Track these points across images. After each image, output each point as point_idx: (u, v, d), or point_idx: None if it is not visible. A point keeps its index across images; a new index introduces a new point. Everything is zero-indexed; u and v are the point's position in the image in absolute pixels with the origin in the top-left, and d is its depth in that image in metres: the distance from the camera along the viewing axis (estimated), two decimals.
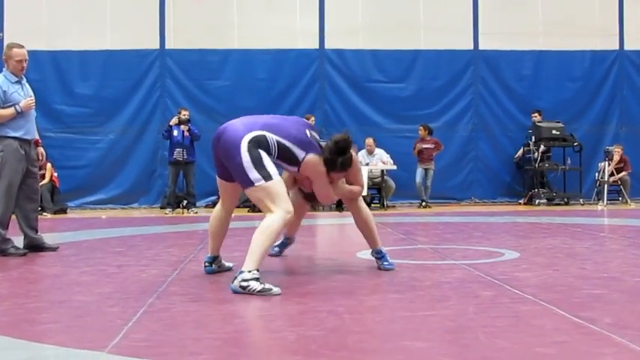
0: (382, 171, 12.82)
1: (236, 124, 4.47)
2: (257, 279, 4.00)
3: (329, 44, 14.27)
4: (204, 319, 3.45)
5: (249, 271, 4.02)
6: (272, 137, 4.35)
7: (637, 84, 14.89)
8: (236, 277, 4.04)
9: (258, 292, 3.95)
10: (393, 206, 13.26)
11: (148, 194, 13.76)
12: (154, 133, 13.62)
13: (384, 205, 12.73)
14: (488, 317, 3.38)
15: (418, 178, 13.21)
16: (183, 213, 11.89)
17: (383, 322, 3.39)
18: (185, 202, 12.17)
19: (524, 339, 2.96)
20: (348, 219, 10.44)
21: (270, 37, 14.10)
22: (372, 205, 13.17)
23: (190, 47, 13.97)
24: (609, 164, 13.60)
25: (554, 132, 13.63)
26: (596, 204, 13.42)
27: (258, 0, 14.23)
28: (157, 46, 13.96)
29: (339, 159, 4.52)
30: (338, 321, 3.36)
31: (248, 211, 12.35)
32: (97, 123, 13.67)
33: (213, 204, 13.23)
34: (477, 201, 13.98)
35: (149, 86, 13.95)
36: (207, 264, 4.84)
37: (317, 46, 14.26)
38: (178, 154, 12.03)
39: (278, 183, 4.26)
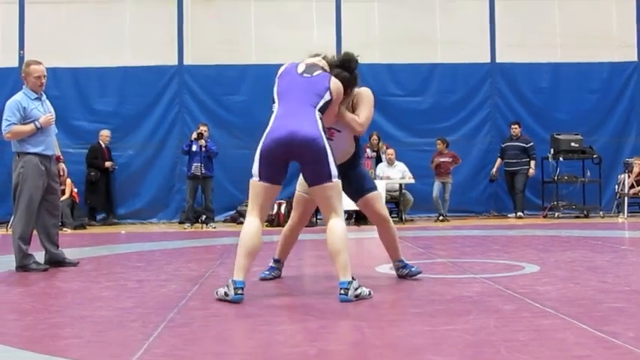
0: (400, 185, 12.81)
1: (297, 119, 4.38)
2: (360, 285, 4.25)
3: None
4: (224, 334, 3.46)
5: (353, 279, 4.20)
6: (317, 112, 4.45)
7: None
8: (346, 289, 4.15)
9: (368, 296, 4.24)
10: (411, 220, 13.23)
11: (167, 209, 13.83)
12: (173, 149, 13.70)
13: (402, 218, 12.71)
14: (510, 331, 3.37)
15: (435, 192, 13.18)
16: (201, 228, 11.92)
17: (404, 336, 3.39)
18: (204, 216, 12.20)
19: (545, 353, 2.94)
20: (366, 233, 10.44)
21: (287, 51, 14.08)
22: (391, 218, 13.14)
23: (208, 63, 14.07)
24: (629, 176, 13.49)
25: (572, 144, 13.56)
26: (617, 216, 13.31)
27: (275, 15, 14.31)
28: (175, 62, 14.07)
29: (339, 72, 4.70)
30: (359, 335, 3.36)
31: (266, 226, 12.38)
32: (116, 139, 13.77)
33: (232, 219, 13.33)
34: (496, 214, 13.90)
35: (167, 102, 14.05)
36: (241, 292, 4.24)
37: None
38: (196, 168, 12.08)
39: (340, 183, 4.41)
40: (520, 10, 14.59)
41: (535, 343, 3.13)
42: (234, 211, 13.45)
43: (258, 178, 4.41)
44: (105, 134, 13.41)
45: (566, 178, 13.66)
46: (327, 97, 4.50)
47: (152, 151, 13.84)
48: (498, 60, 14.53)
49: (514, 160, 13.55)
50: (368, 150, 13.02)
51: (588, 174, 13.74)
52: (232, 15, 14.27)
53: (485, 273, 5.36)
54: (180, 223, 12.93)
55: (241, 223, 12.94)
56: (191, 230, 11.69)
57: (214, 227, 12.03)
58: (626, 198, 13.32)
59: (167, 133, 13.96)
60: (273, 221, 12.39)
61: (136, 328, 3.57)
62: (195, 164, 12.12)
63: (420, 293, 4.53)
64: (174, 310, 3.97)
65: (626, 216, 13.09)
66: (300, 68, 4.67)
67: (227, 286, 4.23)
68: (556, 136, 13.65)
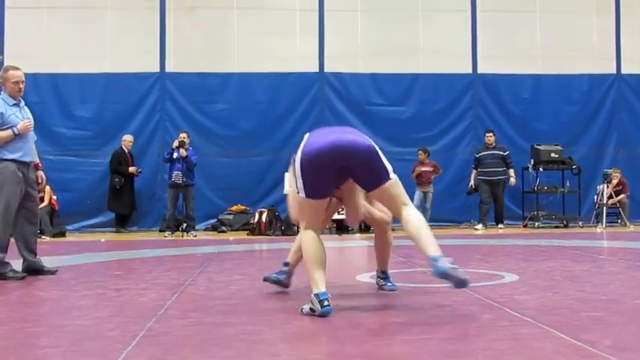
0: None
1: (343, 131, 4.35)
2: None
3: (328, 67, 14.35)
4: (204, 343, 3.44)
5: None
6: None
7: (634, 107, 14.96)
8: (439, 262, 3.81)
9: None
10: (393, 229, 13.19)
11: (148, 217, 13.76)
12: (154, 156, 13.65)
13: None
14: (488, 340, 3.38)
15: (416, 202, 13.16)
16: (182, 236, 11.87)
17: (382, 345, 3.39)
18: (184, 225, 12.15)
19: None
20: (346, 242, 10.44)
21: (270, 60, 14.19)
22: (372, 228, 13.15)
23: (190, 70, 14.06)
24: (608, 187, 13.61)
25: (552, 155, 13.66)
26: (596, 226, 13.42)
27: (258, 23, 14.32)
28: (157, 69, 14.04)
29: None
30: (338, 344, 3.36)
31: (247, 234, 12.35)
32: (97, 146, 13.71)
33: (213, 227, 13.28)
34: (477, 224, 13.98)
35: (149, 109, 14.01)
36: (327, 303, 4.00)
37: (317, 70, 14.34)
38: (177, 176, 12.04)
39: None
40: (502, 21, 14.72)
41: (513, 352, 3.14)
42: (216, 220, 13.41)
43: (304, 195, 4.21)
44: (128, 139, 13.31)
45: (546, 188, 13.76)
46: None
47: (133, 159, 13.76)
48: (480, 71, 14.64)
49: (492, 170, 13.49)
50: None
51: (568, 184, 13.85)
52: (215, 23, 14.26)
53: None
54: (160, 231, 12.87)
55: (223, 231, 13.07)
56: (172, 238, 11.64)
57: (195, 235, 11.98)
58: (604, 208, 13.44)
59: (148, 140, 13.91)
60: (255, 230, 12.36)
61: (114, 337, 3.54)
62: (176, 172, 12.07)
63: (399, 302, 4.54)
64: (153, 319, 3.95)
65: (604, 226, 13.21)
66: None
67: (311, 302, 4.04)
68: (536, 146, 13.76)
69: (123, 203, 13.20)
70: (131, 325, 3.79)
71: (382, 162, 4.22)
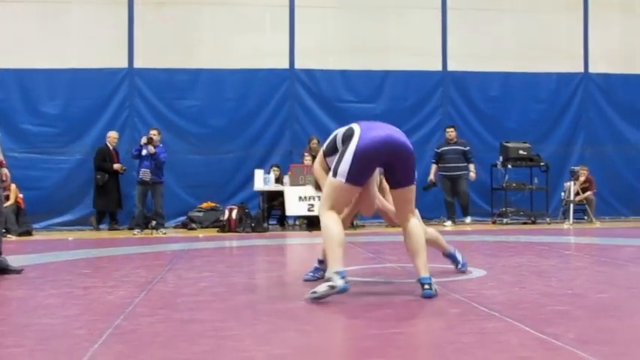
0: None
1: (390, 128, 4.61)
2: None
3: (299, 64, 14.34)
4: (171, 340, 3.42)
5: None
6: None
7: (601, 106, 15.17)
8: (429, 284, 4.42)
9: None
10: (363, 225, 13.29)
11: (117, 215, 13.63)
12: (123, 153, 13.51)
13: (353, 224, 12.74)
14: (455, 334, 3.41)
15: None
16: (151, 234, 11.79)
17: (351, 339, 3.40)
18: (153, 222, 12.07)
19: (489, 355, 2.99)
20: (317, 239, 10.44)
21: (240, 56, 14.14)
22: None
23: (159, 66, 13.94)
24: (575, 184, 13.79)
25: (521, 152, 13.80)
26: (563, 223, 13.59)
27: (228, 19, 14.26)
28: (125, 64, 13.90)
29: None
30: (305, 339, 3.37)
31: (217, 232, 12.31)
32: (64, 143, 13.54)
33: (183, 225, 13.22)
34: (445, 220, 14.07)
35: (117, 106, 13.86)
36: (347, 280, 4.32)
37: (287, 66, 14.32)
38: (145, 174, 11.96)
39: None
40: (472, 20, 14.83)
41: (479, 346, 3.18)
42: (185, 217, 13.34)
43: (344, 180, 4.46)
44: (112, 136, 13.13)
45: (514, 185, 13.90)
46: None
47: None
48: (450, 68, 14.74)
49: (453, 165, 13.51)
50: (306, 154, 13.08)
51: (536, 181, 14.00)
52: (184, 18, 14.16)
53: (434, 277, 5.40)
54: (129, 228, 12.77)
55: (192, 228, 13.02)
56: (141, 236, 11.55)
57: (164, 233, 11.91)
58: (571, 205, 13.61)
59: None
60: (225, 227, 12.32)
61: (81, 335, 3.51)
62: (144, 169, 11.98)
63: (368, 297, 4.56)
64: (120, 317, 3.92)
65: (571, 222, 13.38)
66: None
67: (330, 279, 4.27)
68: (505, 144, 13.89)
69: (109, 201, 13.05)
70: (98, 323, 3.76)
71: (414, 169, 4.67)
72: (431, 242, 5.37)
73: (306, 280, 5.25)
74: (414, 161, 4.64)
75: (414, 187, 4.68)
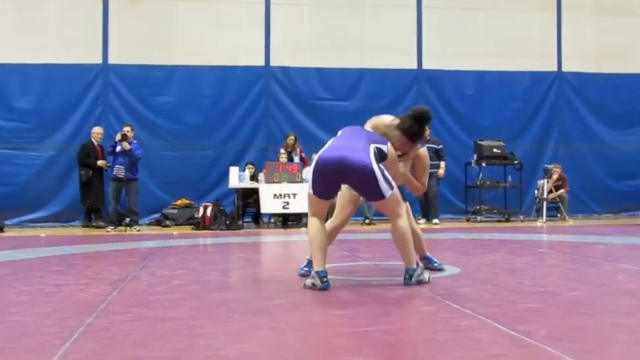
0: None
1: (353, 147, 4.71)
2: (422, 272, 4.85)
3: (274, 61, 14.31)
4: (144, 338, 3.40)
5: (415, 268, 4.82)
6: (375, 146, 4.77)
7: (574, 105, 15.32)
8: (410, 275, 4.76)
9: (427, 281, 4.83)
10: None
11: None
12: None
13: None
14: (428, 332, 3.43)
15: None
16: (125, 231, 11.71)
17: (325, 337, 3.41)
18: (127, 219, 11.98)
19: (462, 352, 3.01)
20: (293, 236, 10.45)
21: (215, 53, 14.08)
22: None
23: (134, 62, 13.83)
24: (548, 182, 13.92)
25: (495, 150, 13.90)
26: (536, 220, 13.71)
27: (203, 16, 14.19)
28: (99, 60, 13.78)
29: (412, 123, 4.98)
30: (279, 337, 3.37)
31: (192, 229, 12.26)
32: (37, 138, 13.38)
33: (157, 222, 13.14)
34: (420, 218, 14.13)
35: (91, 101, 13.73)
36: (327, 280, 4.68)
37: (263, 63, 14.29)
38: (119, 170, 11.87)
39: (397, 189, 4.84)
40: (447, 18, 14.90)
41: (452, 343, 3.20)
42: (159, 214, 13.26)
43: (312, 191, 4.81)
44: (97, 131, 12.90)
45: (488, 183, 13.99)
46: (383, 147, 4.80)
47: (75, 152, 13.47)
48: (425, 67, 14.80)
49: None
50: (282, 150, 13.09)
51: (510, 179, 14.10)
52: (160, 14, 14.07)
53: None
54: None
55: (167, 226, 12.96)
56: (115, 233, 11.47)
57: (138, 230, 11.83)
58: (544, 203, 13.73)
59: (90, 133, 13.65)
60: (199, 224, 12.27)
61: (52, 333, 3.48)
62: (118, 166, 11.89)
63: (342, 295, 4.57)
64: (93, 315, 3.89)
65: (544, 220, 13.50)
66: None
67: (312, 278, 4.68)
68: (479, 142, 13.98)
69: (96, 198, 12.87)
70: (70, 321, 3.73)
71: (377, 184, 4.66)
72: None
73: (301, 275, 5.31)
74: (371, 180, 4.66)
75: (386, 201, 4.76)
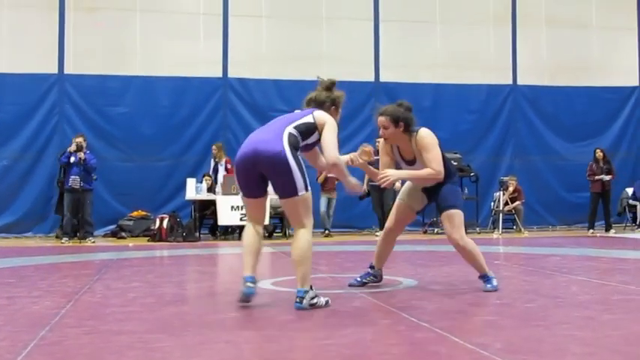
0: None
1: (264, 137, 4.48)
2: (316, 295, 4.45)
3: (232, 73, 14.29)
4: (98, 352, 3.35)
5: (311, 289, 4.42)
6: (292, 127, 4.52)
7: (529, 117, 15.59)
8: (301, 298, 4.36)
9: (324, 305, 4.45)
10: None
11: (44, 223, 13.31)
12: (52, 160, 13.19)
13: (286, 234, 12.74)
14: (385, 345, 3.43)
15: (323, 207, 13.25)
16: (80, 242, 11.53)
17: (281, 351, 3.39)
18: (82, 231, 11.80)
19: None
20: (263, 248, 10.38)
21: (172, 64, 14.01)
22: (275, 234, 13.17)
23: (90, 72, 13.70)
24: (504, 194, 14.11)
25: (451, 162, 13.99)
26: (492, 232, 13.88)
27: (160, 26, 14.11)
28: (55, 70, 13.61)
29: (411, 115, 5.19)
30: (236, 351, 3.34)
31: (148, 241, 12.12)
32: None
33: (112, 233, 12.96)
34: (378, 230, 14.16)
35: (46, 111, 13.56)
36: (251, 285, 4.48)
37: (220, 75, 14.25)
38: (74, 181, 11.70)
39: (310, 195, 4.49)
40: (403, 31, 15.06)
41: (409, 356, 3.21)
42: (115, 225, 13.10)
43: (241, 192, 4.65)
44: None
45: None
46: (306, 120, 4.62)
47: (29, 162, 13.29)
48: (382, 79, 14.92)
49: None
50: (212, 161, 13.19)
51: (466, 191, 14.21)
52: (116, 25, 13.96)
53: (365, 288, 5.45)
54: (57, 237, 12.45)
55: (122, 237, 12.80)
56: (69, 245, 11.29)
57: (93, 242, 11.67)
58: (501, 215, 13.92)
59: (45, 143, 13.46)
60: (155, 236, 12.14)
61: (3, 347, 3.40)
62: (73, 177, 11.73)
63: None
64: (46, 328, 3.82)
65: (500, 232, 13.68)
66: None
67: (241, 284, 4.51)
68: None
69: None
70: (23, 335, 3.65)
71: (293, 179, 4.37)
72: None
73: (350, 285, 5.46)
74: (287, 168, 4.34)
75: (298, 200, 4.41)
